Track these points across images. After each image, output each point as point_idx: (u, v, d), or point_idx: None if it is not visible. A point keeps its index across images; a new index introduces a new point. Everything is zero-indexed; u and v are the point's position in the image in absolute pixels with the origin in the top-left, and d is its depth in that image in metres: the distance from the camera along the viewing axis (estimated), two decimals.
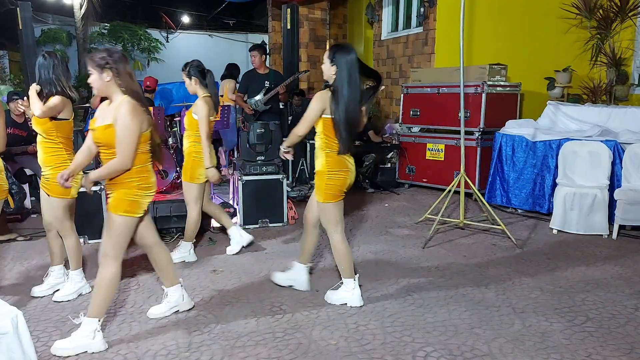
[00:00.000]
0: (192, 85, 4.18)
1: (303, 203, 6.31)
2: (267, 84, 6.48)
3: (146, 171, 2.91)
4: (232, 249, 4.51)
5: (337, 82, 3.23)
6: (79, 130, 4.94)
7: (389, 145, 7.41)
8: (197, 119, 4.11)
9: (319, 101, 3.26)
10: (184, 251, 4.34)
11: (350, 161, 3.39)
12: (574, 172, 5.27)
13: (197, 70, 4.17)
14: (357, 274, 3.50)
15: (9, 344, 2.11)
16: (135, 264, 4.27)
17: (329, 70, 3.27)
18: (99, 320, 2.90)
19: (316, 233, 3.62)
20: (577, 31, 7.22)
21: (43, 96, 3.39)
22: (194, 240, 4.41)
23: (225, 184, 7.25)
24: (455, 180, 5.17)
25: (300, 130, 3.34)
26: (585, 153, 5.24)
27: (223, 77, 8.39)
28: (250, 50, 6.69)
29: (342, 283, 3.50)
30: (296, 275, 3.71)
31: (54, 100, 3.38)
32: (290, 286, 3.70)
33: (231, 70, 8.38)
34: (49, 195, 3.48)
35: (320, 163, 3.36)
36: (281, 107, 6.71)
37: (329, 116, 3.25)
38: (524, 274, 4.03)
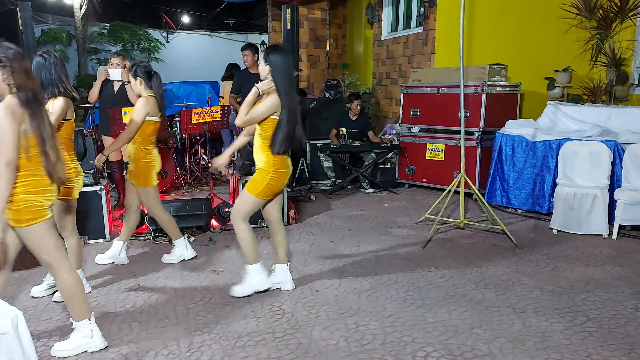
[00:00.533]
0: (137, 85, 4.09)
1: (303, 203, 6.36)
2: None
3: (33, 176, 2.63)
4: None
5: (275, 82, 3.35)
6: (79, 131, 4.93)
7: (388, 145, 7.42)
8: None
9: (274, 103, 3.34)
10: (180, 248, 4.32)
11: (289, 161, 3.56)
12: (574, 172, 5.27)
13: (144, 71, 4.10)
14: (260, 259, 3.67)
15: (9, 344, 2.11)
16: (134, 265, 4.27)
17: (263, 70, 3.39)
18: (89, 320, 2.86)
19: (281, 227, 3.75)
20: (577, 31, 7.22)
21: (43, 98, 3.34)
22: (186, 235, 4.38)
23: (225, 184, 7.25)
24: (455, 180, 5.17)
25: (240, 121, 3.41)
26: (585, 153, 5.24)
27: (224, 78, 8.35)
28: (241, 49, 6.54)
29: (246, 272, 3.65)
30: (282, 277, 3.73)
31: (59, 103, 3.31)
32: (277, 288, 3.71)
33: (232, 71, 8.35)
34: None
35: (264, 161, 3.45)
36: None
37: (277, 117, 3.38)
38: (524, 274, 4.03)
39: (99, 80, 5.67)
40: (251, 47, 6.50)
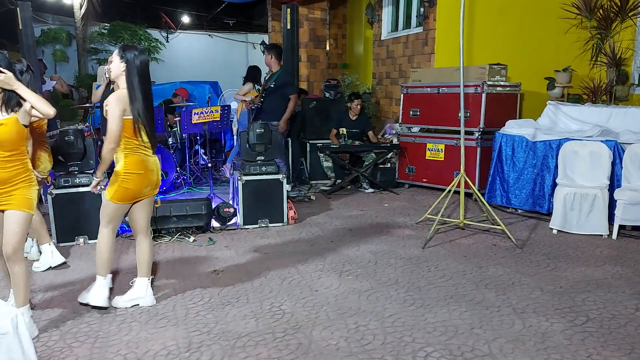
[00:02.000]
0: None
1: (303, 203, 6.35)
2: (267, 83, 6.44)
3: None
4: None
5: (128, 79, 3.21)
6: (79, 131, 4.93)
7: (388, 145, 7.41)
8: None
9: (121, 103, 3.17)
10: (47, 254, 4.17)
11: (153, 161, 3.37)
12: (574, 172, 5.27)
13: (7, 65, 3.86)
14: (110, 274, 3.50)
15: (9, 344, 2.11)
16: (134, 265, 4.26)
17: (118, 67, 3.23)
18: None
19: (146, 238, 3.49)
20: (577, 31, 7.22)
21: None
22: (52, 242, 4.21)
23: (225, 183, 7.26)
24: (455, 180, 5.16)
25: (110, 144, 3.19)
26: (585, 153, 5.24)
27: (244, 79, 8.33)
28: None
29: (96, 281, 3.41)
30: (141, 293, 3.48)
31: None
32: (136, 305, 3.45)
33: (252, 73, 8.20)
34: (10, 210, 3.00)
35: (119, 164, 3.29)
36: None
37: (129, 117, 3.20)
38: (524, 274, 4.03)
39: (105, 81, 5.63)
40: (269, 49, 6.58)
